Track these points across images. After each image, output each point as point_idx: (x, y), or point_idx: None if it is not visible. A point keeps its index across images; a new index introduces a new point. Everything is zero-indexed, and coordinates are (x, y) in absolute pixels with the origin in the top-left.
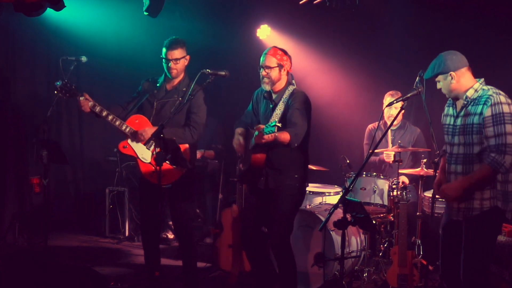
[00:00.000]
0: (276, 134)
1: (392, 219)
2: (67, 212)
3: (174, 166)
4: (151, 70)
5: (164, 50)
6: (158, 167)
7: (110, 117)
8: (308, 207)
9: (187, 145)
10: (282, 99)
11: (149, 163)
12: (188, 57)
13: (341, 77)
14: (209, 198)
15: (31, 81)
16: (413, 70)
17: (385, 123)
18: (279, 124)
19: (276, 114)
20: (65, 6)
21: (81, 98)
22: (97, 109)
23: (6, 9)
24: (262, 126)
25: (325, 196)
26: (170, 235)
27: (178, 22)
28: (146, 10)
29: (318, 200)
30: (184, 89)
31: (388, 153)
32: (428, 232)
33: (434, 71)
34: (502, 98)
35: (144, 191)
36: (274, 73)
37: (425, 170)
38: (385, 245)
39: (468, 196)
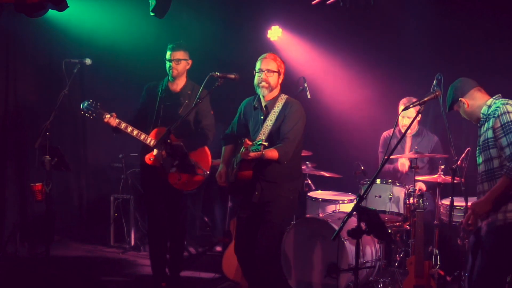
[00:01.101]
0: (263, 153)
1: (408, 228)
2: (70, 220)
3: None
4: (158, 72)
5: (167, 51)
6: (166, 174)
7: (135, 132)
8: (321, 215)
9: (206, 147)
10: (274, 109)
11: (175, 171)
12: (190, 61)
13: (355, 80)
14: (217, 207)
15: (32, 84)
16: (431, 74)
17: (400, 130)
18: (266, 143)
19: (267, 125)
20: (68, 7)
21: (107, 116)
22: (123, 125)
23: (7, 9)
24: (249, 143)
25: (339, 204)
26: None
27: (186, 23)
28: (152, 11)
29: (331, 208)
30: (189, 91)
31: (403, 162)
32: (445, 242)
33: (448, 103)
34: (509, 107)
35: (151, 198)
36: (274, 79)
37: (443, 177)
38: (401, 255)
39: (494, 209)
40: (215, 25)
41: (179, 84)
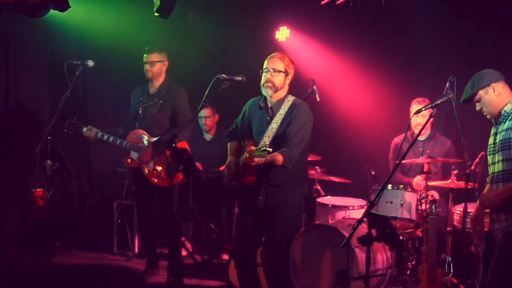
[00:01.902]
0: (268, 158)
1: (421, 234)
2: (72, 227)
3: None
4: None
5: (144, 54)
6: (170, 179)
7: (111, 139)
8: (330, 222)
9: (184, 142)
10: (280, 110)
11: (153, 169)
12: (166, 62)
13: (365, 83)
14: (224, 213)
15: (33, 87)
16: (443, 76)
17: (413, 133)
18: (270, 149)
19: (272, 128)
20: (70, 7)
21: (84, 130)
22: (99, 135)
23: (7, 9)
24: (253, 148)
25: (349, 210)
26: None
27: (191, 24)
28: (157, 11)
29: (341, 214)
30: (165, 91)
31: (419, 182)
32: (459, 249)
33: (474, 88)
34: None
35: (140, 199)
36: (280, 79)
37: (456, 182)
38: (413, 262)
39: (506, 210)
40: (221, 25)
41: (156, 85)
